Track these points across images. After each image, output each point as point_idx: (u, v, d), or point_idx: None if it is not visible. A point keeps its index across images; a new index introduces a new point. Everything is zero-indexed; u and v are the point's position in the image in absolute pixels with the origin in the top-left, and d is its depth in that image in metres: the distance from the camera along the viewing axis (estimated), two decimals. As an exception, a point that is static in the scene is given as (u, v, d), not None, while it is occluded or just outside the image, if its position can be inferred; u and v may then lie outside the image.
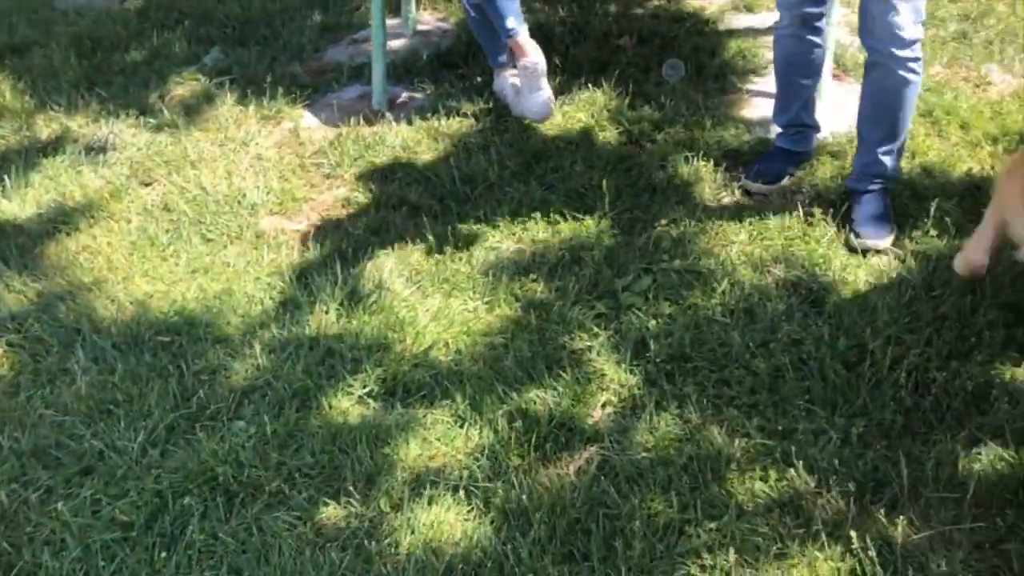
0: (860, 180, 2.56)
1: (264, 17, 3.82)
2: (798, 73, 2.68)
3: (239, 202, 2.76)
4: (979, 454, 1.89)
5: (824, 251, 2.44)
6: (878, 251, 2.44)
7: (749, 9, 3.69)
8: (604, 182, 2.69)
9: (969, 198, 2.58)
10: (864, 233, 2.46)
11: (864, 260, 2.41)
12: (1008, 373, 2.06)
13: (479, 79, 3.29)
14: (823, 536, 1.76)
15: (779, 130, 2.81)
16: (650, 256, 2.49)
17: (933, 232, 2.47)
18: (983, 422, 1.96)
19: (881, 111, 2.48)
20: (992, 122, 2.90)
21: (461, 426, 2.04)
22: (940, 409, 1.99)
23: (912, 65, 2.37)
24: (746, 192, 2.71)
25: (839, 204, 2.59)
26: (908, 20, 2.31)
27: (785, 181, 2.72)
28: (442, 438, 2.01)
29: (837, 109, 2.99)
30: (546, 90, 2.96)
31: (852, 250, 2.45)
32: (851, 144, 2.80)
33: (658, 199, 2.70)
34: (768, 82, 2.78)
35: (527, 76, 2.97)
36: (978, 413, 1.98)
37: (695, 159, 2.81)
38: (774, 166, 2.75)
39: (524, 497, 1.85)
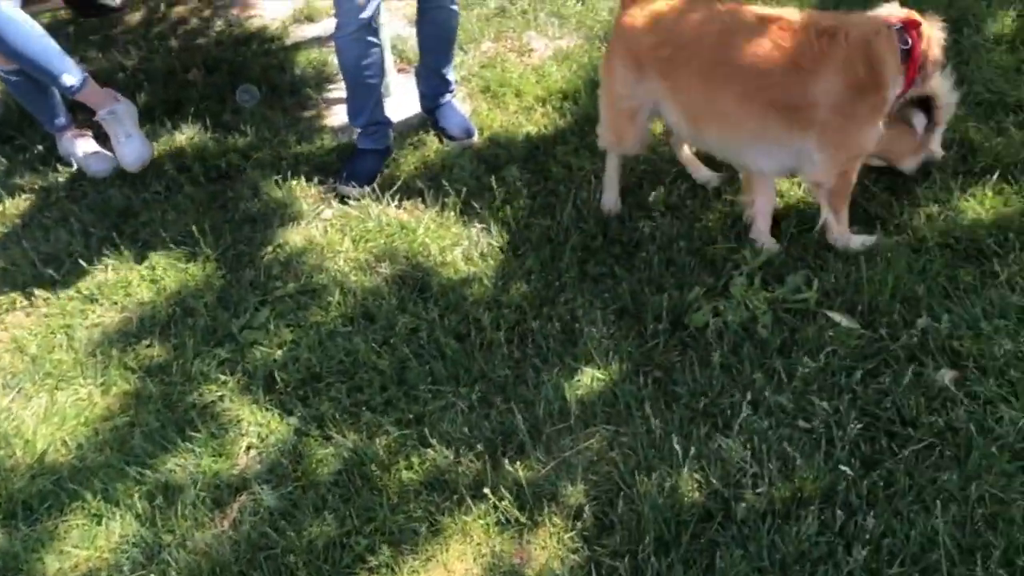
0: (434, 99, 3.07)
1: None
2: (366, 73, 2.80)
3: None
4: (578, 380, 2.18)
5: (423, 239, 2.63)
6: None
7: (310, 19, 3.78)
8: (197, 225, 2.65)
9: (532, 160, 2.91)
10: (458, 136, 3.01)
11: (456, 240, 2.62)
12: (588, 303, 2.38)
13: (40, 147, 3.04)
14: (467, 500, 1.94)
15: (358, 130, 2.93)
16: (263, 287, 2.51)
17: (509, 197, 2.75)
18: (576, 352, 2.26)
19: (442, 42, 2.99)
20: (539, 85, 3.27)
21: (100, 523, 1.94)
22: (541, 353, 2.26)
23: (458, 2, 2.92)
24: (343, 199, 2.81)
25: (428, 192, 2.79)
26: None
27: (376, 180, 2.87)
28: (80, 543, 1.90)
29: (406, 100, 3.19)
30: (138, 133, 2.86)
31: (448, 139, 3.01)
32: (425, 132, 3.03)
33: (259, 228, 2.72)
34: (343, 87, 2.89)
35: (114, 124, 2.82)
36: (571, 344, 2.28)
37: (288, 179, 2.86)
38: (362, 167, 2.88)
39: (175, 573, 1.81)
